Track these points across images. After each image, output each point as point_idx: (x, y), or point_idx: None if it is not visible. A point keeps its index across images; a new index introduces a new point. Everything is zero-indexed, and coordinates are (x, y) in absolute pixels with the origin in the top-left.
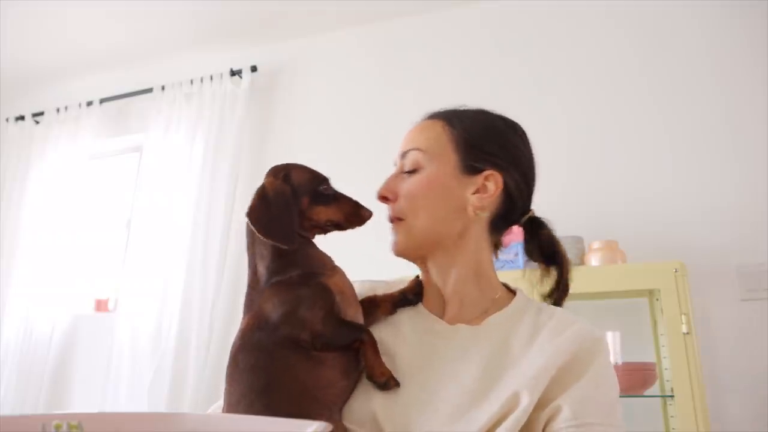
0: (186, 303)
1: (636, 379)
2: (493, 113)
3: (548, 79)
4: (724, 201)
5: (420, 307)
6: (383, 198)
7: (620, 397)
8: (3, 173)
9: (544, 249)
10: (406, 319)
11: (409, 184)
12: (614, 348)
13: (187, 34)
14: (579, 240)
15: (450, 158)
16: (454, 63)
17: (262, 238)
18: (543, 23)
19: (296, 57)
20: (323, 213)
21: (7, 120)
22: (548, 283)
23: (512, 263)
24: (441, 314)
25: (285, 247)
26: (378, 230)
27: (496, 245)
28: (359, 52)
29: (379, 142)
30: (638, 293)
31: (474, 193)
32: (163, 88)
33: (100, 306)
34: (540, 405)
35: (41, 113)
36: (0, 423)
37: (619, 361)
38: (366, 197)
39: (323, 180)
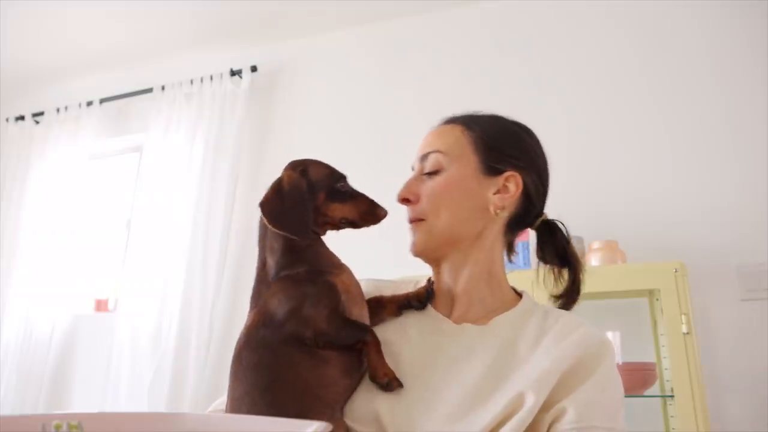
0: (186, 303)
1: (636, 379)
2: (507, 118)
3: (548, 79)
4: (724, 201)
5: (428, 307)
6: (404, 200)
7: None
8: (3, 173)
9: (559, 252)
10: (413, 319)
11: (431, 185)
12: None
13: (187, 34)
14: (579, 240)
15: (470, 160)
16: (454, 63)
17: (272, 229)
18: (543, 23)
19: (296, 57)
20: (339, 210)
21: (7, 120)
22: (561, 286)
23: (513, 264)
24: (448, 313)
25: (295, 239)
26: (377, 230)
27: (509, 248)
28: (359, 52)
29: (379, 142)
30: (638, 293)
31: (495, 194)
32: (163, 88)
33: (100, 306)
34: (545, 407)
35: (41, 113)
36: (0, 423)
37: (619, 361)
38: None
39: (341, 177)
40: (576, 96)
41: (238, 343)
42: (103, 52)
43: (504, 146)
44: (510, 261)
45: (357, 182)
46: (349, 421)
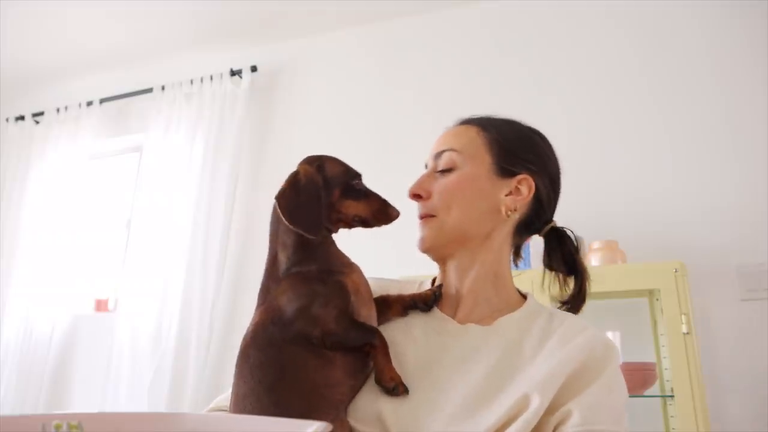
0: (186, 303)
1: (636, 379)
2: (522, 123)
3: (548, 79)
4: (724, 201)
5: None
6: (415, 195)
7: None
8: (3, 173)
9: (566, 259)
10: (418, 319)
11: (444, 182)
12: None
13: (187, 34)
14: (579, 240)
15: (485, 160)
16: (454, 63)
17: (287, 224)
18: (543, 23)
19: (296, 57)
20: (352, 207)
21: (7, 120)
22: (566, 293)
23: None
24: (453, 313)
25: (309, 236)
26: (376, 230)
27: (516, 252)
28: (359, 52)
29: (379, 142)
30: (638, 293)
31: (507, 195)
32: (163, 88)
33: (100, 306)
34: (550, 409)
35: (41, 113)
36: (0, 423)
37: (619, 361)
38: None
39: (356, 175)
40: (576, 96)
41: (244, 339)
42: (103, 52)
43: (519, 149)
44: (516, 265)
45: None
46: (352, 421)
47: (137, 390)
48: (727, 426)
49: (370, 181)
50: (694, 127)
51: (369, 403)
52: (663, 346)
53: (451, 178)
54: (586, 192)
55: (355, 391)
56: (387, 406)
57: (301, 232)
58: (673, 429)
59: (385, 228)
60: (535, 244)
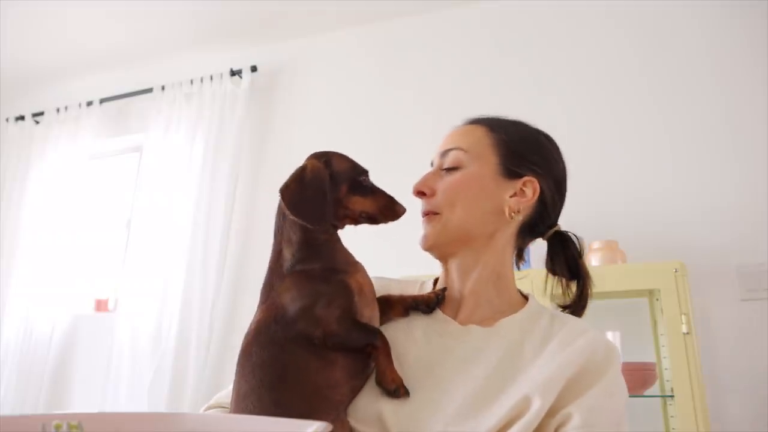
0: (186, 303)
1: (636, 379)
2: (530, 125)
3: (548, 79)
4: (724, 201)
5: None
6: (420, 192)
7: None
8: (3, 173)
9: (569, 264)
10: (419, 320)
11: (449, 180)
12: None
13: (187, 34)
14: (578, 237)
15: (491, 160)
16: (454, 63)
17: (291, 216)
18: (543, 23)
19: (296, 57)
20: (359, 203)
21: (7, 120)
22: (567, 298)
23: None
24: (455, 314)
25: (312, 227)
26: (377, 230)
27: (519, 254)
28: (359, 52)
29: (379, 142)
30: (638, 293)
31: (512, 197)
32: (163, 88)
33: (100, 306)
34: (551, 412)
35: (41, 113)
36: (0, 423)
37: None
38: None
39: (363, 171)
40: (576, 96)
41: (246, 336)
42: (103, 52)
43: (525, 151)
44: (518, 268)
45: None
46: (352, 422)
47: (137, 390)
48: (727, 426)
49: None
50: (694, 127)
51: (369, 403)
52: (663, 346)
53: (457, 176)
54: (586, 192)
55: (355, 391)
56: (387, 406)
57: (304, 223)
58: (673, 429)
59: (385, 227)
60: (535, 243)
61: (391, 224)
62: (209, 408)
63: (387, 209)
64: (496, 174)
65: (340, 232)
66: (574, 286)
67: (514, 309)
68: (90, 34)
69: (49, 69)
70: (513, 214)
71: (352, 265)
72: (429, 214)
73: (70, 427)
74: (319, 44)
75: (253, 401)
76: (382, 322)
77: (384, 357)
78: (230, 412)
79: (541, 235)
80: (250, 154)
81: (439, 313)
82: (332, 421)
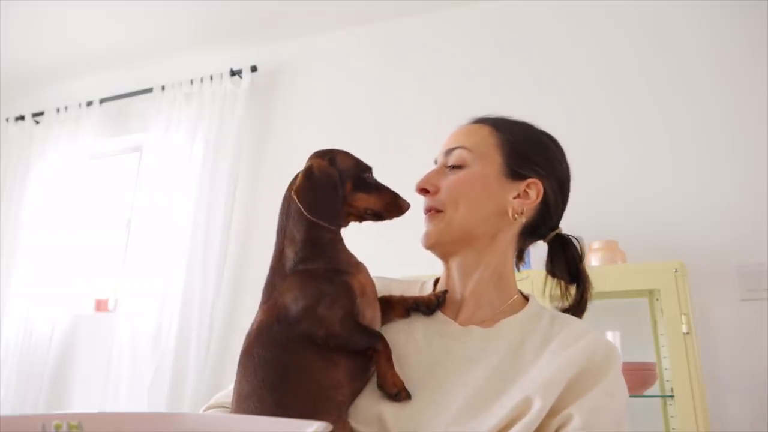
0: (186, 303)
1: (636, 379)
2: (536, 127)
3: (548, 79)
4: (724, 201)
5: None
6: (423, 190)
7: None
8: (3, 173)
9: (570, 268)
10: (420, 321)
11: (453, 178)
12: None
13: (187, 34)
14: (579, 240)
15: (495, 160)
16: (454, 63)
17: (307, 215)
18: (543, 23)
19: (296, 57)
20: (364, 200)
21: (7, 120)
22: (567, 301)
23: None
24: (455, 315)
25: (331, 227)
26: (377, 230)
27: (519, 256)
28: (359, 52)
29: (380, 142)
30: (638, 293)
31: (515, 198)
32: (163, 88)
33: (100, 306)
34: (551, 413)
35: (41, 113)
36: (0, 423)
37: None
38: None
39: (366, 168)
40: (576, 96)
41: (248, 336)
42: (103, 52)
43: (530, 153)
44: (518, 269)
45: None
46: (353, 422)
47: (137, 390)
48: (727, 426)
49: None
50: (694, 127)
51: (370, 404)
52: (663, 346)
53: (460, 175)
54: (586, 192)
55: (356, 393)
56: (388, 407)
57: (321, 222)
58: (673, 429)
59: (386, 227)
60: (535, 244)
61: (392, 223)
62: (209, 408)
63: (392, 205)
64: (500, 174)
65: (343, 231)
66: (573, 290)
67: (514, 310)
68: (90, 34)
69: (49, 69)
70: (516, 215)
71: (354, 266)
72: (432, 211)
73: (70, 427)
74: (319, 44)
75: (254, 402)
76: (383, 323)
77: (385, 360)
78: (231, 413)
79: (543, 237)
80: (250, 154)
81: (439, 314)
82: (334, 422)
